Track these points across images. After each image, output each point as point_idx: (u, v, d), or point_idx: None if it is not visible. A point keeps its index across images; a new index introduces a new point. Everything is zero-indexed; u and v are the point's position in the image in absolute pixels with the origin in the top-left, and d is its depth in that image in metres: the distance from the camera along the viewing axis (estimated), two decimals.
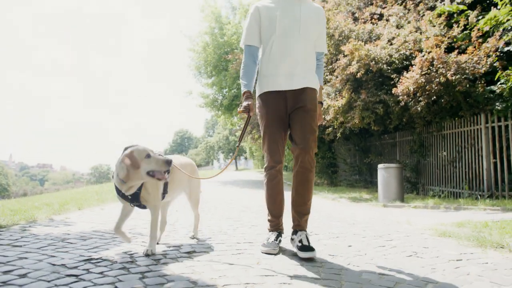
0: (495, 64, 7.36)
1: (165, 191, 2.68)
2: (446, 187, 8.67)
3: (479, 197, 7.44)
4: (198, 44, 18.53)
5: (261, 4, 2.78)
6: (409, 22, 9.28)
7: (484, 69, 7.18)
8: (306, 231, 2.69)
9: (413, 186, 9.94)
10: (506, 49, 7.77)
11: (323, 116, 9.79)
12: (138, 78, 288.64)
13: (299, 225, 2.70)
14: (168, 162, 2.37)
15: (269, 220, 2.84)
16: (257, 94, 2.83)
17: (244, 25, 2.81)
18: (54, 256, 2.30)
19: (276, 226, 2.81)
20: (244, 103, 2.64)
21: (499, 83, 7.51)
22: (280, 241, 2.71)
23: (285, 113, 2.72)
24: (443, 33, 8.25)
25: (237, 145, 2.93)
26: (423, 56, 7.65)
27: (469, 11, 9.02)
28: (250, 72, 2.75)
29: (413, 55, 8.10)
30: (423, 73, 7.51)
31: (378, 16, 10.83)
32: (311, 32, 2.72)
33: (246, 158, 57.40)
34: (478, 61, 7.16)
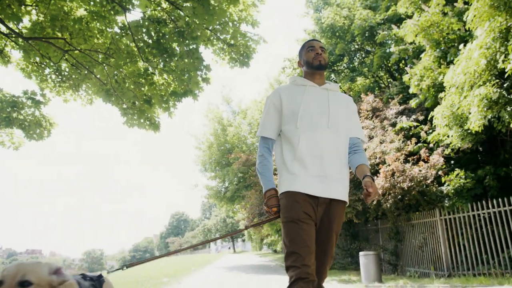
0: (439, 173, 9.84)
1: None
2: (419, 268, 10.62)
3: (436, 276, 9.39)
4: (204, 144, 21.34)
5: (283, 89, 2.46)
6: (376, 136, 11.96)
7: (430, 180, 9.63)
8: None
9: (393, 267, 11.85)
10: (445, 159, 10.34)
11: None
12: (136, 165, 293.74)
13: None
14: None
15: None
16: (281, 191, 2.33)
17: (263, 110, 2.53)
18: None
19: None
20: (274, 203, 2.29)
21: (445, 185, 9.93)
22: None
23: (315, 218, 2.25)
24: (401, 147, 10.84)
25: (246, 226, 2.60)
26: (386, 167, 10.12)
27: (422, 126, 11.78)
28: (269, 165, 2.41)
29: (380, 165, 10.58)
30: (387, 179, 9.92)
31: None
32: (341, 125, 2.39)
33: (244, 241, 57.94)
34: (426, 173, 9.63)
